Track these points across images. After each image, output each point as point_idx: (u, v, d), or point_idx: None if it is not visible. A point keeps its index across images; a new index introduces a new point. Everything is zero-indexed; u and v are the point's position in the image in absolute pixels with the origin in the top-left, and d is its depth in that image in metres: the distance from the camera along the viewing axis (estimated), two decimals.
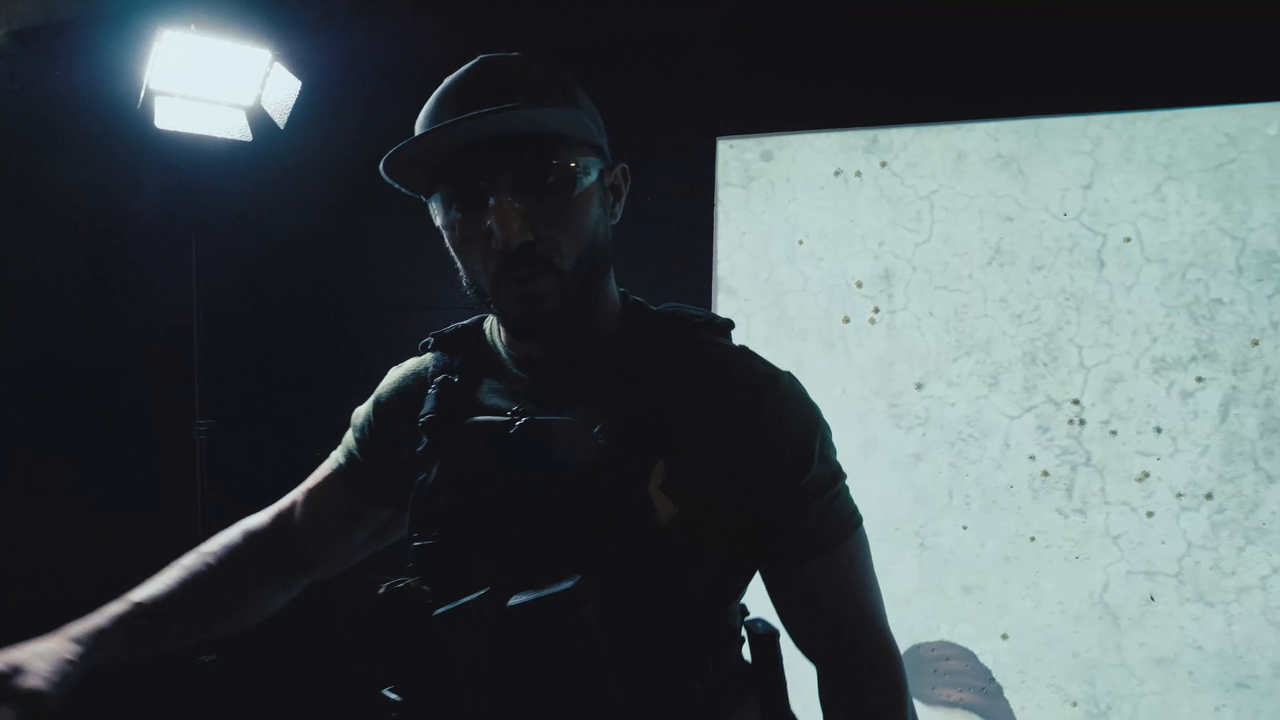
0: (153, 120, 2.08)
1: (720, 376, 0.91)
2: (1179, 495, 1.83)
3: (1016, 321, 1.94)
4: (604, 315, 0.95)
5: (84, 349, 2.41)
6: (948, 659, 2.04)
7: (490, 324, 1.03)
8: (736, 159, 2.15)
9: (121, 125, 2.12)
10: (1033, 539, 1.95)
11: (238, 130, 2.21)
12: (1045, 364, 1.93)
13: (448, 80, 0.90)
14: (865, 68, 2.03)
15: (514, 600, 0.81)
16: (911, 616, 2.06)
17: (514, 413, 0.91)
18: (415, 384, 1.03)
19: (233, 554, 1.08)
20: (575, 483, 0.87)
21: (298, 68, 2.14)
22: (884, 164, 2.03)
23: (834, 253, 2.09)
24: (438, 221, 0.91)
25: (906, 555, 2.05)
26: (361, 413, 1.09)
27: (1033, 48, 1.89)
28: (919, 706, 2.05)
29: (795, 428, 0.91)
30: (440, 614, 0.83)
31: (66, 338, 2.41)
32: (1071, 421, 1.91)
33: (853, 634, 0.91)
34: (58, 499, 2.40)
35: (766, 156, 2.13)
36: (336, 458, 1.11)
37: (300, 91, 2.16)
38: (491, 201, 0.82)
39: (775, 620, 0.95)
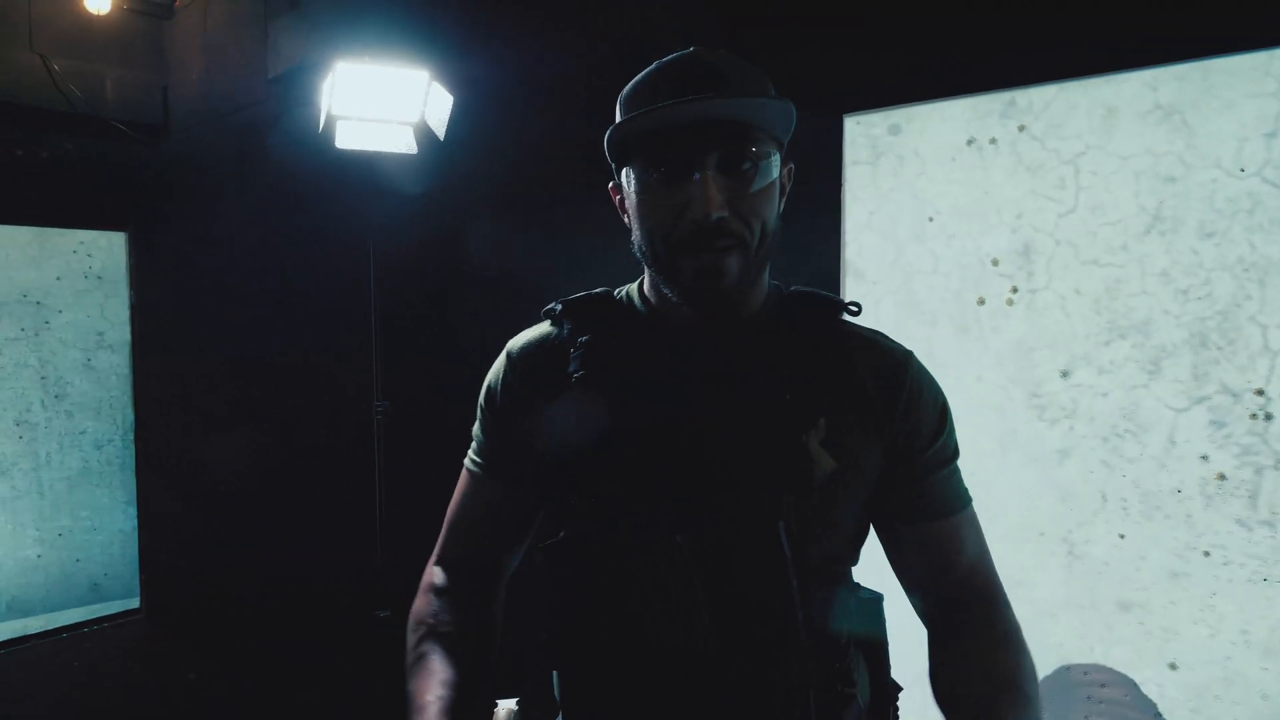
0: (334, 142, 2.40)
1: (865, 349, 1.03)
2: None
3: (1182, 298, 1.67)
4: (757, 295, 1.04)
5: (284, 339, 2.81)
6: (1103, 685, 1.79)
7: (629, 292, 1.08)
8: (864, 135, 2.05)
9: (310, 148, 2.46)
10: (1207, 554, 1.66)
11: (404, 144, 2.48)
12: (1220, 347, 1.63)
13: (657, 64, 1.00)
14: (998, 22, 1.85)
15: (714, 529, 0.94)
16: (1059, 633, 1.83)
17: (682, 374, 0.99)
18: (545, 350, 1.06)
19: (467, 624, 1.09)
20: (750, 434, 0.97)
21: (451, 85, 2.36)
22: (1022, 128, 1.84)
23: (967, 229, 1.92)
24: (629, 187, 0.98)
25: (1052, 564, 1.83)
26: (488, 398, 1.10)
27: None
28: None
29: (931, 399, 1.03)
30: (644, 543, 0.95)
31: (272, 329, 2.83)
32: (1255, 416, 1.60)
33: (975, 588, 1.04)
34: (266, 469, 2.81)
35: (894, 130, 2.01)
36: (475, 460, 1.12)
37: (453, 106, 2.38)
38: (697, 176, 0.91)
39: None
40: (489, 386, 1.10)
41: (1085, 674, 1.81)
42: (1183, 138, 1.65)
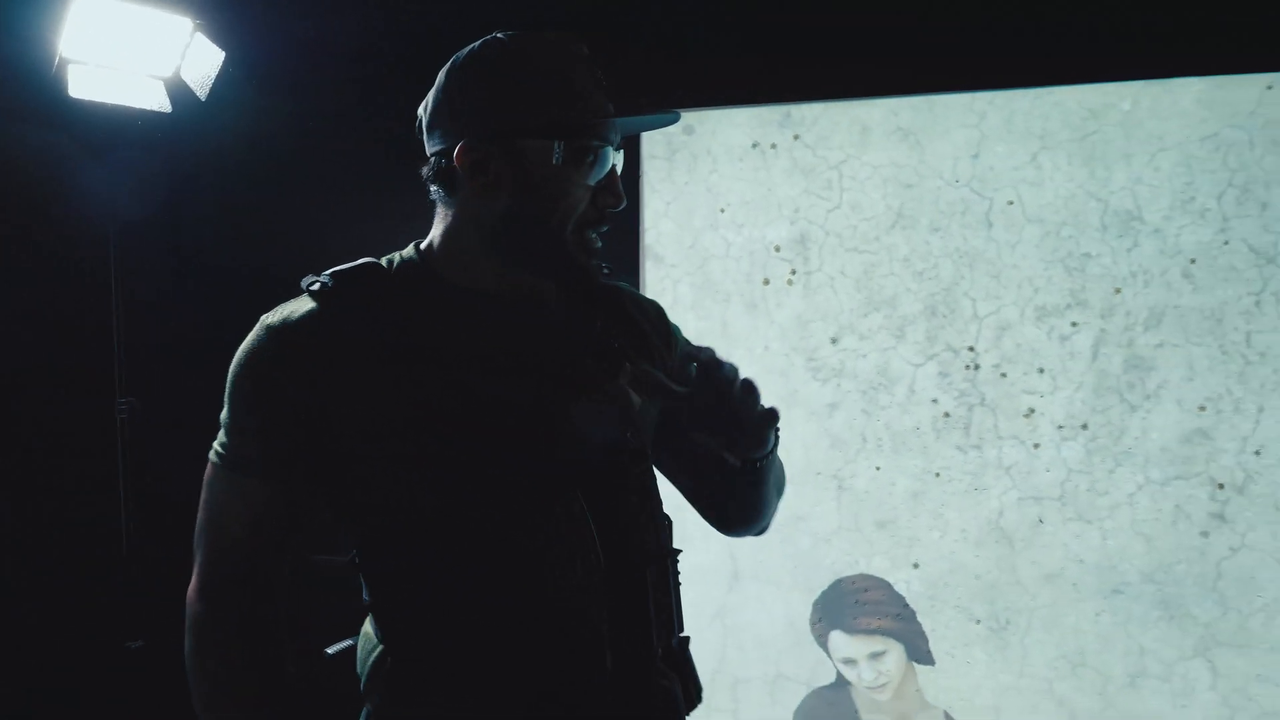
0: (66, 89, 2.02)
1: (636, 304, 1.15)
2: (1060, 427, 2.08)
3: (918, 279, 2.15)
4: None
5: None
6: (866, 590, 2.22)
7: (406, 260, 1.03)
8: (660, 133, 2.28)
9: (35, 93, 2.05)
10: (938, 475, 2.16)
11: (156, 102, 2.17)
12: (944, 316, 2.14)
13: (561, 46, 0.98)
14: (779, 48, 2.20)
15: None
16: (833, 554, 2.23)
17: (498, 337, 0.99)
18: (326, 326, 0.95)
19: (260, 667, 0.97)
20: (588, 389, 1.00)
21: (222, 38, 2.13)
22: (797, 137, 2.20)
23: (753, 220, 2.24)
24: (536, 159, 0.95)
25: (826, 498, 2.23)
26: (258, 384, 0.96)
27: (924, 32, 2.10)
28: (843, 635, 2.23)
29: (684, 337, 1.18)
30: (543, 504, 0.94)
31: None
32: (968, 367, 2.13)
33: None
34: None
35: (688, 130, 2.27)
36: (238, 462, 0.96)
37: (224, 63, 2.14)
38: (618, 172, 0.99)
39: None
40: (253, 372, 0.95)
41: (853, 584, 2.24)
42: (917, 154, 2.13)
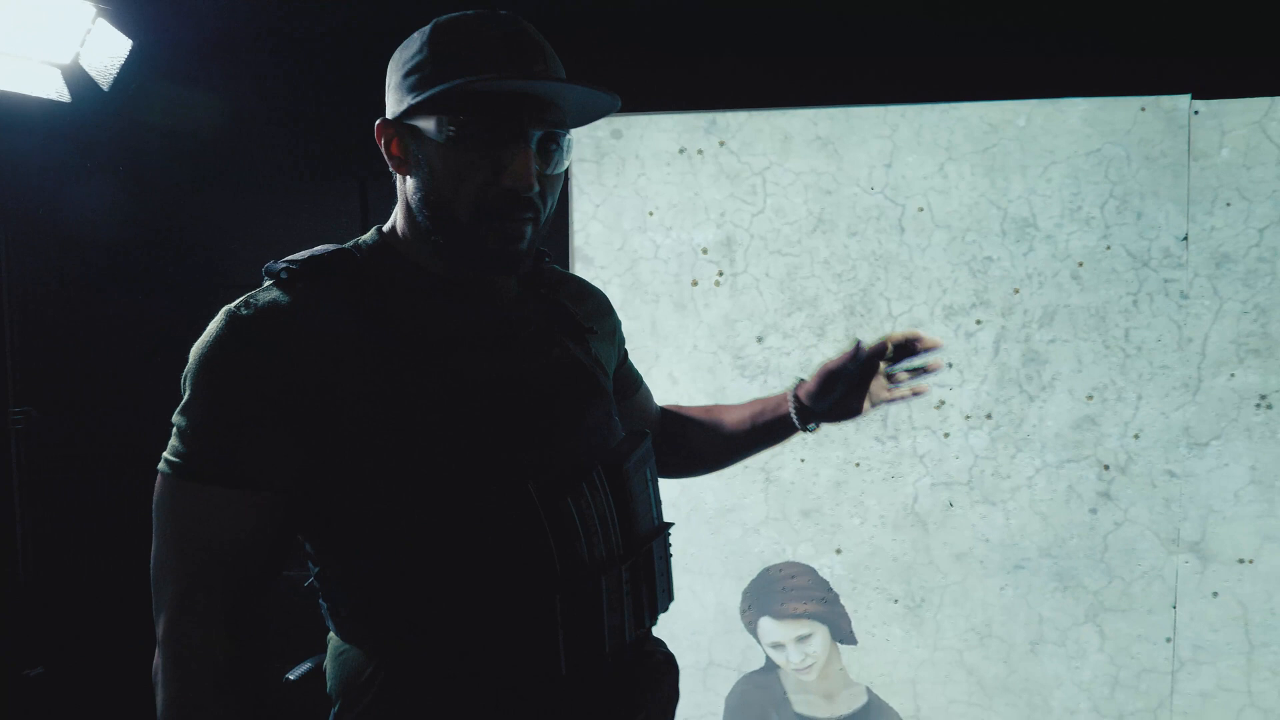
0: None
1: (584, 290, 1.23)
2: (967, 417, 2.24)
3: (838, 280, 2.27)
4: None
5: None
6: (793, 576, 2.33)
7: (368, 245, 1.01)
8: (588, 136, 2.31)
9: None
10: (858, 464, 2.29)
11: (53, 90, 2.03)
12: (862, 315, 2.27)
13: (478, 19, 0.96)
14: (701, 54, 2.27)
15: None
16: (761, 543, 2.33)
17: (499, 320, 1.02)
18: (295, 317, 0.90)
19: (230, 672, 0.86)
20: (568, 372, 1.06)
21: (129, 26, 2.01)
22: (722, 143, 2.28)
23: (681, 223, 2.31)
24: (433, 134, 0.92)
25: (754, 489, 2.32)
26: (225, 382, 0.87)
27: (842, 46, 2.23)
28: (771, 621, 2.33)
29: (614, 310, 1.26)
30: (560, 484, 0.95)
31: None
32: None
33: (664, 414, 1.39)
34: None
35: (616, 135, 2.31)
36: (206, 470, 0.86)
37: (131, 52, 2.03)
38: (522, 149, 0.92)
39: None
40: (218, 366, 0.87)
41: (780, 570, 2.34)
42: (835, 162, 2.25)
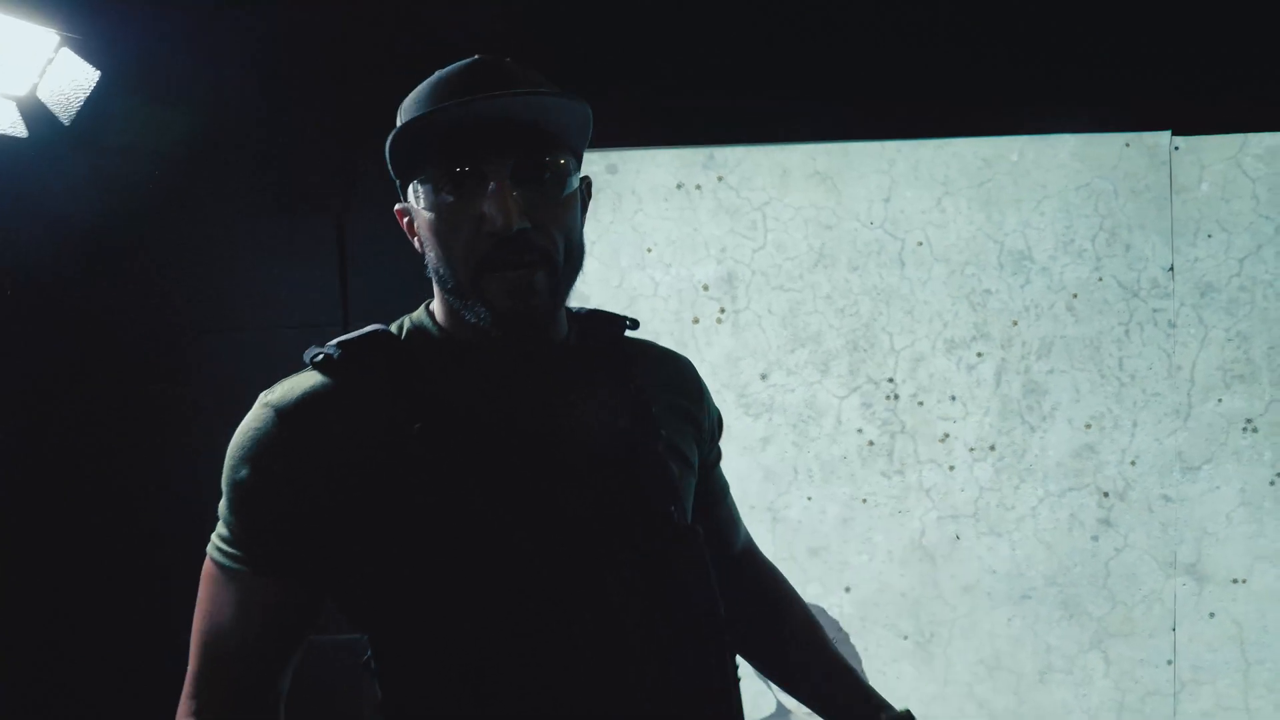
0: None
1: (663, 362, 1.09)
2: (971, 449, 2.25)
3: (840, 315, 2.26)
4: (563, 316, 1.00)
5: None
6: None
7: (416, 324, 0.96)
8: (584, 170, 2.24)
9: None
10: (864, 500, 2.27)
11: (8, 124, 1.85)
12: (865, 350, 2.26)
13: (440, 73, 0.90)
14: (700, 90, 2.24)
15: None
16: None
17: (537, 403, 0.92)
18: (336, 404, 0.86)
19: None
20: (616, 455, 0.94)
21: (96, 55, 1.85)
22: (721, 178, 2.25)
23: (680, 259, 2.26)
24: (419, 205, 0.88)
25: (761, 529, 2.27)
26: (257, 474, 0.85)
27: (839, 83, 2.23)
28: None
29: (712, 402, 1.14)
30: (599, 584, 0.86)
31: None
32: (888, 397, 2.26)
33: (748, 549, 1.22)
34: None
35: (612, 169, 2.26)
36: (239, 556, 0.86)
37: (98, 84, 1.87)
38: (492, 186, 0.82)
39: None
40: (255, 459, 0.85)
41: None
42: (834, 197, 2.25)
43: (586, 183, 0.98)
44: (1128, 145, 2.20)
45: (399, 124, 0.87)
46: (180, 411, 2.10)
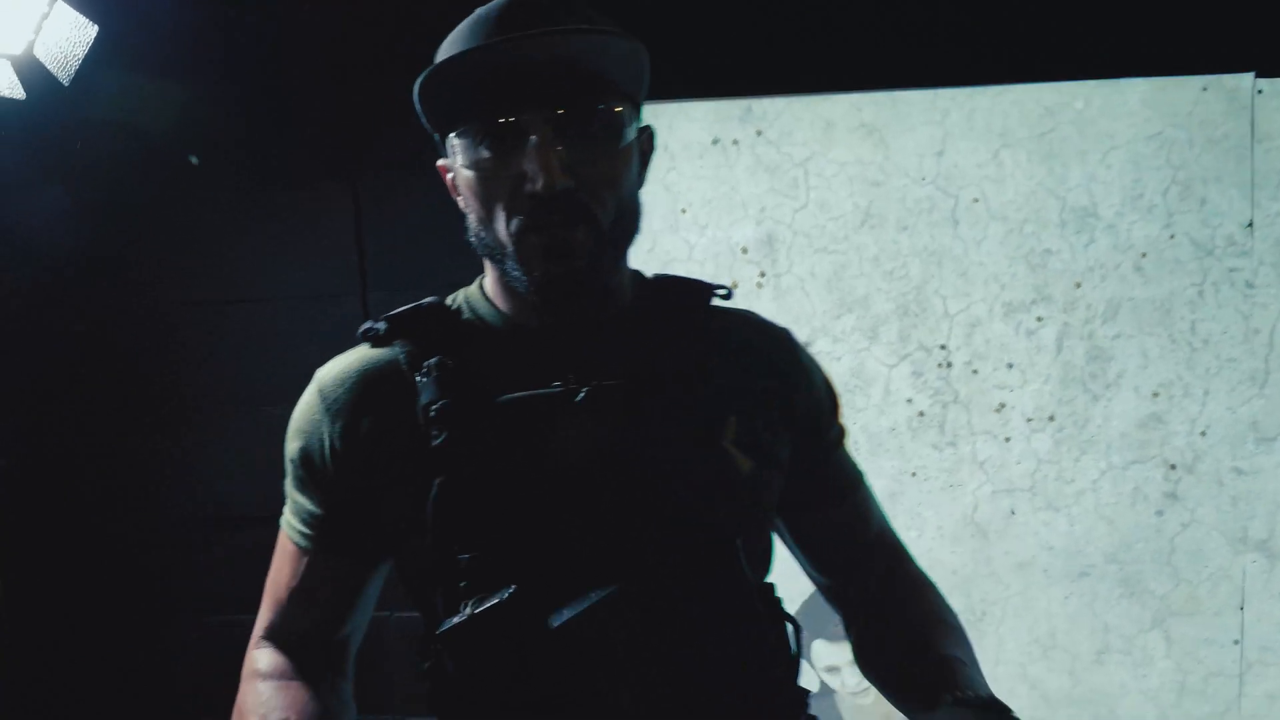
0: None
1: (750, 335, 0.94)
2: (1029, 420, 2.12)
3: (889, 278, 2.12)
4: (622, 285, 0.90)
5: None
6: None
7: (468, 297, 0.91)
8: None
9: None
10: (914, 474, 2.15)
11: (5, 85, 1.74)
12: (916, 315, 2.12)
13: (481, 10, 0.80)
14: (736, 38, 2.08)
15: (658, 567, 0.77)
16: None
17: (566, 383, 0.81)
18: (380, 381, 0.85)
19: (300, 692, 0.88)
20: (658, 449, 0.81)
21: (94, 10, 1.73)
22: (759, 133, 2.10)
23: (717, 220, 2.12)
24: (458, 161, 0.81)
25: None
26: (303, 450, 0.87)
27: (884, 27, 2.06)
28: (824, 644, 2.18)
29: (821, 374, 0.99)
30: (596, 606, 0.74)
31: None
32: (941, 365, 2.12)
33: (885, 552, 1.03)
34: None
35: None
36: (299, 529, 0.90)
37: (96, 40, 1.75)
38: (533, 140, 0.75)
39: None
40: (302, 435, 0.87)
41: None
42: (882, 151, 2.09)
43: (647, 133, 0.88)
44: (1205, 89, 2.02)
45: (427, 69, 0.77)
46: (202, 385, 2.01)
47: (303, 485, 0.89)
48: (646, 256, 2.13)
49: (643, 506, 0.79)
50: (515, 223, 0.78)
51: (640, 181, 0.88)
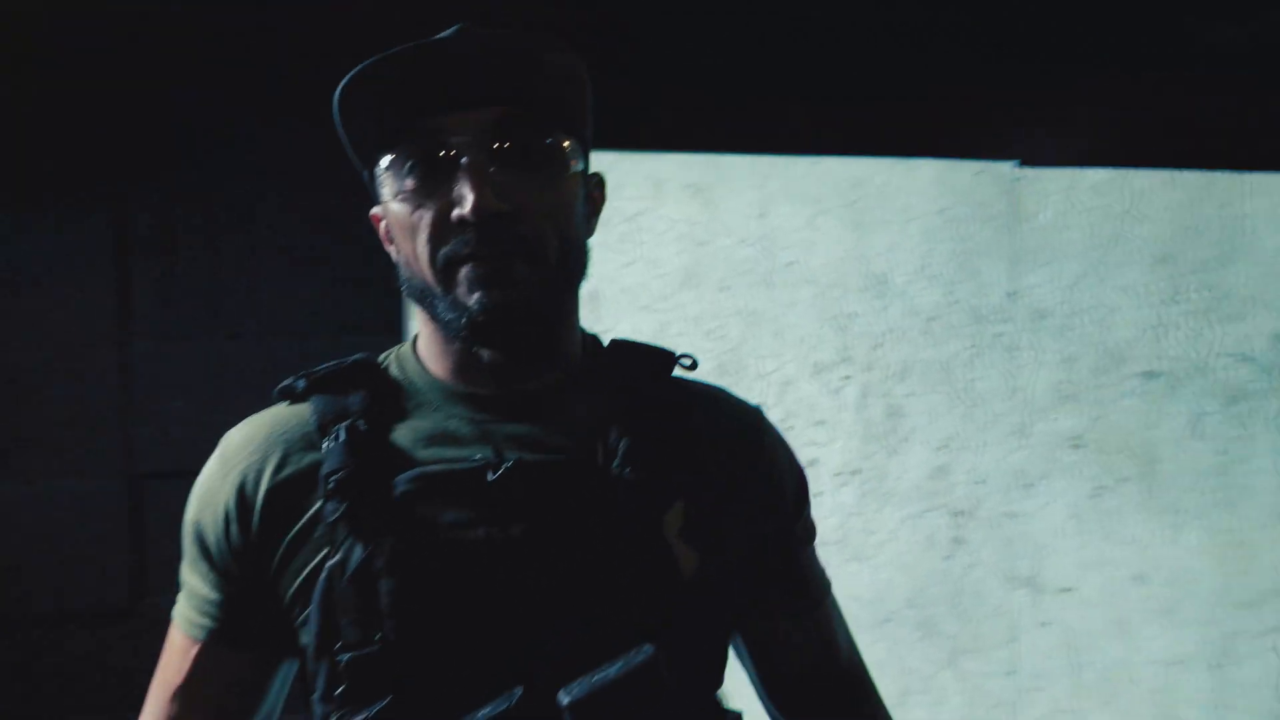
0: None
1: (715, 412, 0.86)
2: (836, 474, 2.21)
3: (709, 338, 2.13)
4: (570, 343, 0.81)
5: None
6: None
7: (398, 355, 0.83)
8: None
9: None
10: None
11: None
12: (734, 374, 2.14)
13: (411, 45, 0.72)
14: None
15: (579, 688, 0.65)
16: None
17: (493, 456, 0.72)
18: (287, 445, 0.77)
19: None
20: (583, 539, 0.71)
21: None
22: None
23: None
24: (384, 193, 0.74)
25: None
26: (198, 524, 0.78)
27: (712, 87, 2.09)
28: None
29: (792, 462, 0.92)
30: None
31: None
32: None
33: (854, 676, 0.97)
34: None
35: None
36: (190, 619, 0.79)
37: None
38: (464, 161, 0.68)
39: None
40: (199, 506, 0.79)
41: None
42: (708, 211, 2.11)
43: (597, 179, 0.80)
44: (979, 173, 2.25)
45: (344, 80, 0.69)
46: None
47: (197, 565, 0.79)
48: None
49: (556, 604, 0.69)
50: (443, 253, 0.70)
51: (589, 230, 0.80)
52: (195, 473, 0.80)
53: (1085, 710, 2.38)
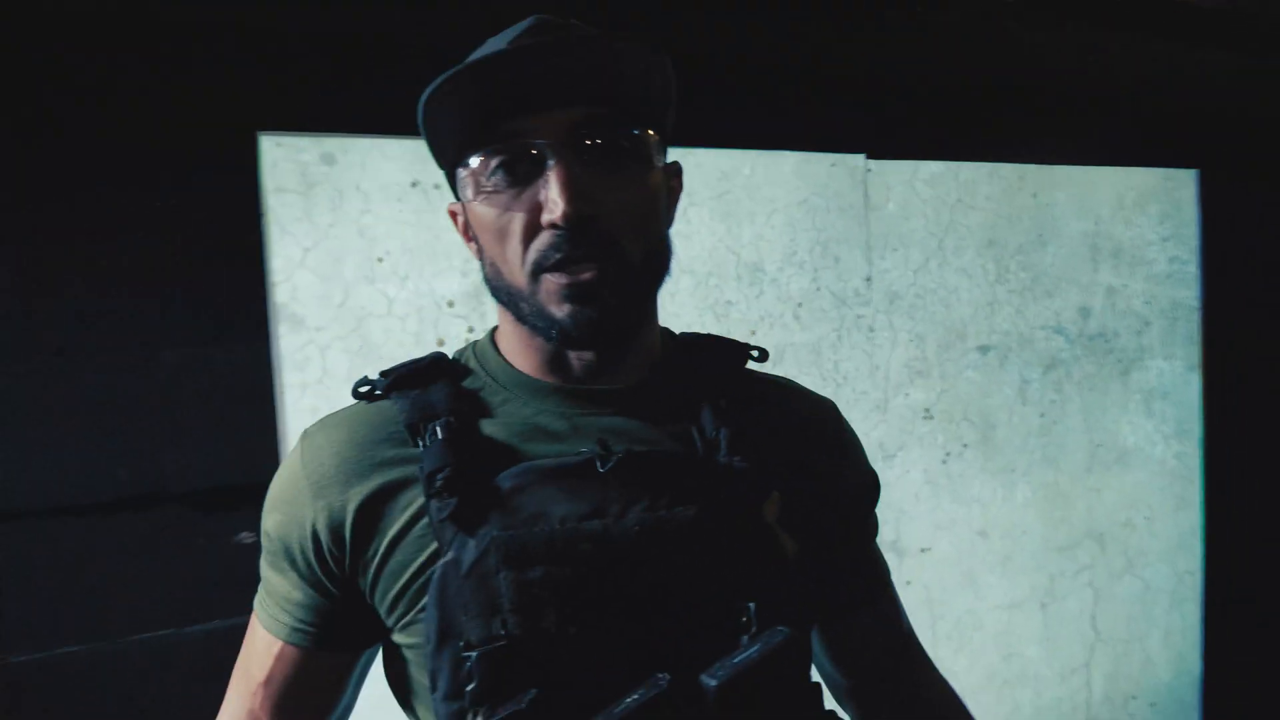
0: None
1: (795, 404, 0.88)
2: None
3: None
4: (653, 340, 0.83)
5: None
6: None
7: (477, 351, 0.83)
8: (289, 159, 1.79)
9: None
10: None
11: None
12: None
13: (505, 36, 0.75)
14: (420, 73, 1.92)
15: (723, 670, 0.66)
16: None
17: (598, 449, 0.72)
18: (374, 446, 0.75)
19: None
20: (695, 524, 0.71)
21: None
22: None
23: (419, 271, 1.92)
24: (467, 197, 0.74)
25: None
26: (281, 528, 0.76)
27: None
28: None
29: (864, 458, 0.92)
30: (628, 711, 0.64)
31: None
32: None
33: (913, 654, 0.95)
34: None
35: (328, 160, 1.83)
36: (274, 616, 0.78)
37: None
38: (551, 163, 0.68)
39: None
40: (281, 510, 0.77)
41: None
42: None
43: (675, 169, 0.80)
44: (833, 165, 2.38)
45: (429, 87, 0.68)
46: None
47: (281, 570, 0.77)
48: (338, 311, 1.84)
49: (678, 592, 0.69)
50: (533, 260, 0.70)
51: (669, 221, 0.80)
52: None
53: (941, 658, 2.59)
